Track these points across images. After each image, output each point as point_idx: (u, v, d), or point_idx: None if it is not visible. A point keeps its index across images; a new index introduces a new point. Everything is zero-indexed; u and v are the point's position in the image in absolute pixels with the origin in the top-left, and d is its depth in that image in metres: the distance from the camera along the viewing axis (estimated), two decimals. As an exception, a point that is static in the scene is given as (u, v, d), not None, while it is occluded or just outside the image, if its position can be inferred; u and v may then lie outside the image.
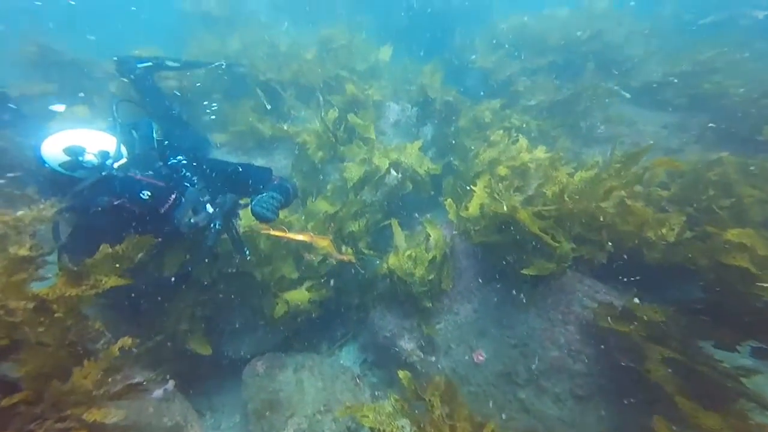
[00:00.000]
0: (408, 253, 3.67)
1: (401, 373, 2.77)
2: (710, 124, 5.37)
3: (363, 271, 4.00)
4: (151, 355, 3.18)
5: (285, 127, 5.31)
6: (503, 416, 3.66)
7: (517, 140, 4.26)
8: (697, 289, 3.31)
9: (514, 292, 3.67)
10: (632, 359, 3.20)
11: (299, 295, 3.64)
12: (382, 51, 7.60)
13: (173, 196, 2.85)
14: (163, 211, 2.80)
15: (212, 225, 2.93)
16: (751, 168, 3.78)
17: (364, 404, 2.66)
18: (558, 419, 3.53)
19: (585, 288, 3.62)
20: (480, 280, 3.86)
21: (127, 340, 2.13)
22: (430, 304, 3.68)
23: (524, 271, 3.19)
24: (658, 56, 7.28)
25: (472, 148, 4.74)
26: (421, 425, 2.50)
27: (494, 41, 8.14)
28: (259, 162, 5.43)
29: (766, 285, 2.70)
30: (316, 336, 4.15)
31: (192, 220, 2.84)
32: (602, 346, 3.47)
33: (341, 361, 4.18)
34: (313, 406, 3.31)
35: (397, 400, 2.66)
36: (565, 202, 3.08)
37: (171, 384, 3.04)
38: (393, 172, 4.66)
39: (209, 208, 2.96)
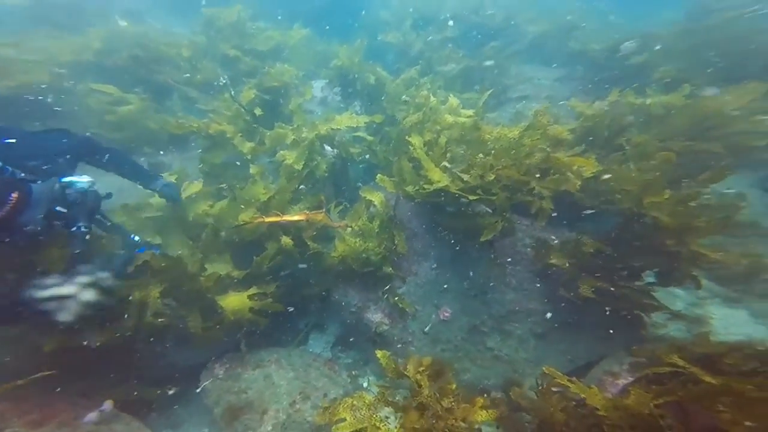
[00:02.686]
0: (354, 231, 3.54)
1: (379, 353, 2.58)
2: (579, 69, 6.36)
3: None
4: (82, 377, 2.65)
5: (181, 121, 4.66)
6: (477, 367, 3.80)
7: (447, 100, 4.34)
8: (606, 222, 3.70)
9: (464, 244, 3.76)
10: (572, 290, 3.55)
11: (238, 302, 3.20)
12: (293, 32, 7.35)
13: (14, 195, 2.33)
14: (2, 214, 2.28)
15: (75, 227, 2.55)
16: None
17: (339, 403, 2.39)
18: (525, 360, 3.81)
19: (524, 228, 3.85)
20: (432, 238, 3.89)
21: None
22: (390, 269, 3.61)
23: (482, 239, 3.28)
24: (534, 22, 8.17)
25: (400, 115, 4.73)
26: (409, 410, 2.31)
27: (403, 18, 8.34)
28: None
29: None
30: (275, 332, 3.83)
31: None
32: (547, 282, 3.77)
33: (310, 350, 3.93)
34: (288, 397, 3.06)
35: (379, 388, 2.47)
36: (495, 165, 3.21)
37: (107, 404, 2.58)
38: (327, 148, 4.47)
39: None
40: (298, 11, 9.11)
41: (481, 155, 3.32)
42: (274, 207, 3.69)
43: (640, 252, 3.38)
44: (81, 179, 2.73)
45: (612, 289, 3.41)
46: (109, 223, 3.20)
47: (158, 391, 3.16)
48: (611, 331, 3.73)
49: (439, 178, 3.31)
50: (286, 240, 3.46)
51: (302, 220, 3.35)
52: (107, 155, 3.27)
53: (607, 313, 3.63)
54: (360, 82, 5.58)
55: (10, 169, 2.50)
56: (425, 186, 3.29)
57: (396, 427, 2.25)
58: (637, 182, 3.21)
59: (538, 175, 3.31)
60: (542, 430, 2.39)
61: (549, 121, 3.29)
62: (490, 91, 3.95)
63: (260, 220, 3.28)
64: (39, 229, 2.41)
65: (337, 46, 6.55)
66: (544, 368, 2.66)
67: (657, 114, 4.25)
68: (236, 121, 4.67)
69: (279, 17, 7.57)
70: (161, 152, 5.46)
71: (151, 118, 5.48)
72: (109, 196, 3.02)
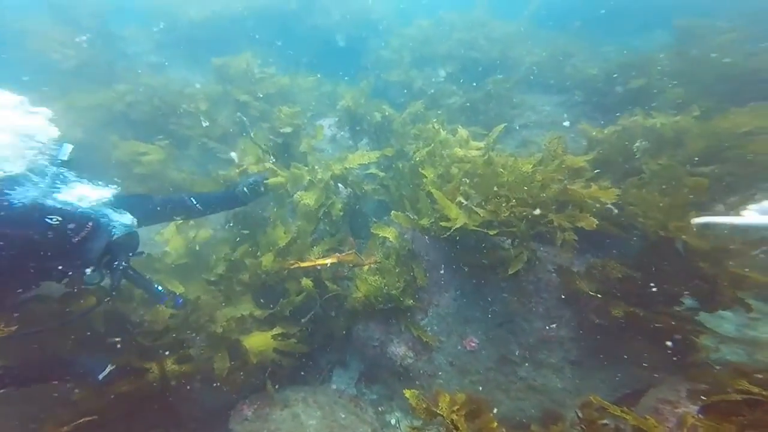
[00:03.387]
0: (372, 269, 3.60)
1: (407, 393, 2.51)
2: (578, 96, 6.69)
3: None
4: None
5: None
6: (511, 398, 3.66)
7: (456, 131, 4.49)
8: (629, 247, 3.68)
9: (485, 274, 3.77)
10: (602, 316, 3.46)
11: (262, 342, 3.23)
12: (299, 77, 7.79)
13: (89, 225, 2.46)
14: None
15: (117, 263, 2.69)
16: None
17: None
18: (563, 390, 3.65)
19: (544, 255, 3.83)
20: (452, 268, 3.92)
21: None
22: (411, 302, 3.63)
23: (510, 271, 3.28)
24: (532, 53, 8.54)
25: (410, 149, 4.88)
26: None
27: (402, 56, 8.80)
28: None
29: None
30: (299, 370, 3.81)
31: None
32: (576, 309, 3.70)
33: (334, 387, 3.88)
34: (318, 438, 3.00)
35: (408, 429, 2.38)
36: (510, 201, 3.27)
37: None
38: (341, 186, 4.61)
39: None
40: (301, 55, 9.71)
41: (495, 188, 3.37)
42: (295, 250, 3.78)
43: (672, 276, 3.30)
44: (124, 218, 2.83)
45: (646, 313, 3.28)
46: (131, 272, 3.16)
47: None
48: (656, 358, 3.52)
49: (455, 215, 3.35)
50: (306, 282, 3.52)
51: (335, 263, 3.42)
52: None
53: (647, 339, 3.48)
54: (367, 120, 5.81)
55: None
56: (442, 224, 3.32)
57: None
58: (660, 206, 3.19)
59: (554, 207, 3.33)
60: None
61: (563, 150, 3.36)
62: (503, 126, 4.06)
63: (297, 265, 3.38)
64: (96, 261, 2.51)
65: (342, 87, 6.91)
66: (591, 397, 2.53)
67: (668, 136, 4.33)
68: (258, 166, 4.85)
69: (289, 59, 8.07)
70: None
71: (173, 168, 5.74)
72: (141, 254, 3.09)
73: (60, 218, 2.34)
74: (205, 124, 6.43)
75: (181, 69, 9.54)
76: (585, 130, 4.67)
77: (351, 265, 3.62)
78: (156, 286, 3.22)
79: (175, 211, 3.58)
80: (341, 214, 4.27)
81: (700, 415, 2.46)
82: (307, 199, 4.08)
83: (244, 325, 3.23)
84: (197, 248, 4.06)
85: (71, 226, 2.41)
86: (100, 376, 2.68)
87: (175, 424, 3.07)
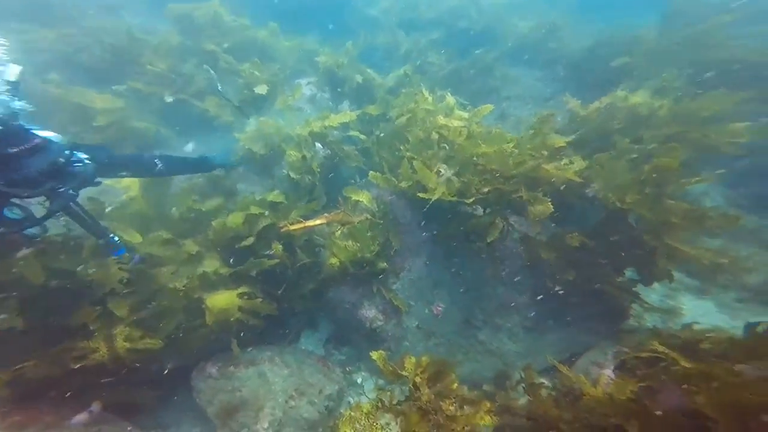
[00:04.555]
0: (344, 234, 3.55)
1: (374, 355, 2.55)
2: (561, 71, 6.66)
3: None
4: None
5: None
6: (470, 360, 3.84)
7: (444, 98, 4.38)
8: (590, 218, 3.84)
9: (457, 239, 3.81)
10: (558, 282, 3.67)
11: (227, 300, 3.12)
12: (272, 29, 7.27)
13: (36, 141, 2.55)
14: None
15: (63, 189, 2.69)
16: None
17: (341, 417, 2.35)
18: (515, 353, 3.90)
19: (513, 224, 3.90)
20: (425, 234, 3.92)
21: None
22: (385, 264, 3.62)
23: (488, 240, 3.36)
24: (519, 26, 8.37)
25: (393, 112, 4.74)
26: (409, 414, 2.27)
27: (389, 18, 8.41)
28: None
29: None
30: (267, 330, 3.76)
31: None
32: (535, 275, 3.88)
33: (303, 347, 3.89)
34: (284, 394, 3.03)
35: (377, 393, 2.43)
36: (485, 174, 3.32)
37: (95, 406, 2.51)
38: (318, 146, 4.45)
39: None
40: (279, 9, 9.04)
41: (474, 158, 3.38)
42: (282, 210, 3.66)
43: (620, 247, 3.55)
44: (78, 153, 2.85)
45: (595, 282, 3.56)
46: (88, 219, 3.05)
47: (146, 393, 3.06)
48: (595, 323, 3.87)
49: (434, 185, 3.35)
50: (276, 247, 3.41)
51: (324, 223, 3.36)
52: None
53: (591, 305, 3.77)
54: (348, 82, 5.58)
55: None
56: (420, 195, 3.34)
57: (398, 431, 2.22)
58: (619, 181, 3.36)
59: (525, 182, 3.39)
60: (539, 427, 2.42)
61: (549, 129, 3.38)
62: (490, 107, 3.98)
63: (286, 228, 3.30)
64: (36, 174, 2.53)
65: (326, 47, 6.50)
66: (548, 358, 2.69)
67: (642, 117, 4.44)
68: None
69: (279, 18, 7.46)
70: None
71: (135, 120, 5.35)
72: (98, 183, 2.98)
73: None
74: (172, 77, 5.94)
75: (141, 15, 8.68)
76: (568, 103, 4.67)
77: (341, 224, 3.53)
78: (112, 235, 3.06)
79: (136, 168, 3.48)
80: (319, 171, 4.14)
81: (615, 373, 2.71)
82: (291, 154, 3.92)
83: (207, 282, 3.10)
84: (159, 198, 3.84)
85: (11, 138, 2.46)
86: None
87: (131, 381, 2.97)
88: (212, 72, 5.75)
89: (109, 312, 2.87)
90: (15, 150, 2.45)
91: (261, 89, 5.54)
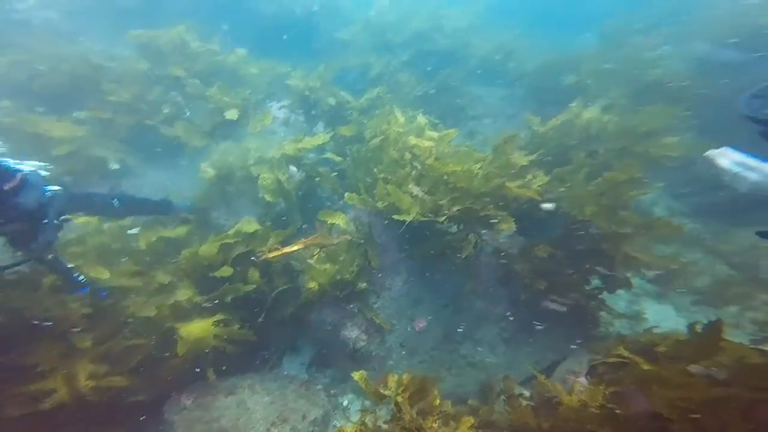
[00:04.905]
0: (321, 258, 3.57)
1: (356, 375, 2.57)
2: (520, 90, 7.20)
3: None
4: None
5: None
6: (453, 375, 3.87)
7: (416, 118, 4.54)
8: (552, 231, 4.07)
9: (434, 257, 3.89)
10: (531, 293, 3.84)
11: (201, 329, 3.01)
12: (242, 54, 7.33)
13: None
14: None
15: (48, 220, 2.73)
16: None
17: None
18: (496, 365, 3.99)
19: (485, 239, 4.05)
20: (404, 251, 3.99)
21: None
22: (365, 284, 3.63)
23: (463, 255, 3.49)
24: (480, 47, 8.89)
25: (367, 134, 4.86)
26: None
27: (359, 41, 8.70)
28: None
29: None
30: (246, 358, 3.65)
31: None
32: (509, 287, 4.05)
33: (285, 372, 3.78)
34: (265, 422, 2.94)
35: (362, 415, 2.43)
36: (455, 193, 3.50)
37: None
38: (293, 169, 4.47)
39: None
40: (247, 34, 9.10)
41: (445, 177, 3.53)
42: (259, 237, 3.62)
43: (584, 257, 3.80)
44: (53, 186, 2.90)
45: (565, 291, 3.75)
46: (50, 256, 2.91)
47: (113, 430, 2.87)
48: (569, 332, 4.02)
49: (407, 206, 3.46)
50: (253, 273, 3.36)
51: (302, 248, 3.34)
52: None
53: (564, 315, 3.91)
54: (322, 104, 5.68)
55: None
56: (395, 217, 3.44)
57: None
58: (578, 195, 3.63)
59: (491, 199, 3.55)
60: None
61: (511, 150, 3.58)
62: (455, 131, 4.14)
63: (265, 256, 3.28)
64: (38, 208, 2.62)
65: (299, 71, 6.59)
66: (532, 369, 2.81)
67: (594, 130, 4.82)
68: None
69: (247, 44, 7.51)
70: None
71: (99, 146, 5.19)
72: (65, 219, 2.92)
73: None
74: (138, 105, 5.83)
75: (101, 42, 8.49)
76: (529, 120, 5.02)
77: (319, 247, 3.54)
78: (76, 274, 2.93)
79: (93, 206, 3.48)
80: (295, 194, 4.14)
81: (587, 379, 2.84)
82: (266, 177, 3.91)
83: (180, 311, 2.99)
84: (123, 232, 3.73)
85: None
86: None
87: (96, 422, 2.77)
88: (179, 98, 5.70)
89: (72, 350, 2.71)
90: (6, 187, 2.49)
91: (231, 114, 5.55)
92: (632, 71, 6.40)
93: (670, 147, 4.74)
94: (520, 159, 3.78)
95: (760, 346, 2.29)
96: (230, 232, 3.38)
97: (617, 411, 2.10)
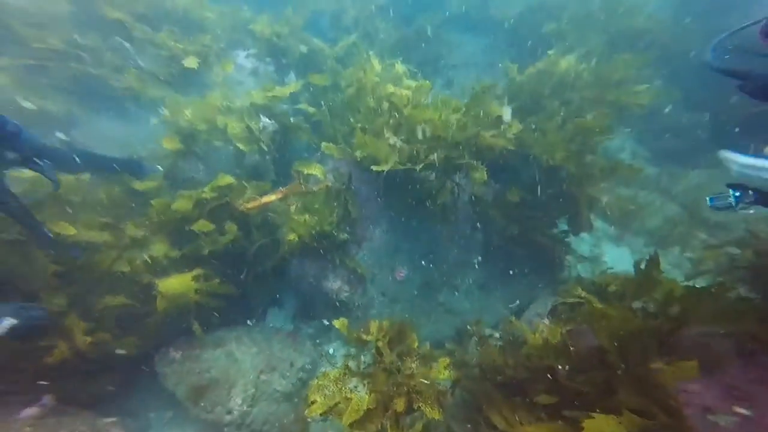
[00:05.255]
0: (298, 208, 3.50)
1: (337, 323, 2.62)
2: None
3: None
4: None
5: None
6: (432, 322, 4.04)
7: (393, 67, 4.36)
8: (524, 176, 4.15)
9: (413, 205, 3.91)
10: (504, 237, 4.00)
11: (180, 284, 2.93)
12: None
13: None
14: None
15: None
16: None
17: (310, 386, 2.40)
18: (471, 310, 4.18)
19: (461, 186, 4.08)
20: (382, 203, 3.98)
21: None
22: (345, 235, 3.63)
23: (438, 201, 3.55)
24: None
25: (343, 82, 4.65)
26: (375, 375, 2.38)
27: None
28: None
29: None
30: (231, 312, 3.65)
31: None
32: (484, 234, 4.17)
33: (270, 325, 3.83)
34: (254, 371, 3.02)
35: (344, 360, 2.52)
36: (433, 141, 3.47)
37: (46, 398, 2.34)
38: (265, 119, 4.25)
39: None
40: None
41: (421, 125, 3.47)
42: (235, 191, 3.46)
43: (552, 200, 3.96)
44: None
45: (534, 235, 3.92)
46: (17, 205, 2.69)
47: (103, 382, 2.87)
48: (537, 277, 4.28)
49: (385, 156, 3.41)
50: (231, 227, 3.25)
51: (280, 198, 3.27)
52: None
53: (533, 260, 4.15)
54: (292, 52, 5.33)
55: None
56: (374, 168, 3.39)
57: (366, 393, 2.32)
58: (550, 141, 3.71)
59: (468, 148, 3.56)
60: (487, 373, 2.67)
61: (489, 99, 3.58)
62: (430, 85, 3.98)
63: (243, 207, 3.21)
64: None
65: (265, 16, 6.04)
66: (507, 313, 2.90)
67: (569, 79, 4.83)
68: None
69: None
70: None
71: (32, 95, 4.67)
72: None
73: None
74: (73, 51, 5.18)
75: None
76: (507, 68, 4.97)
77: (299, 195, 3.48)
78: (45, 229, 2.74)
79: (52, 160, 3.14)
80: (267, 146, 3.97)
81: (549, 319, 3.06)
82: (234, 126, 3.69)
83: (157, 267, 2.91)
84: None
85: None
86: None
87: (85, 372, 2.75)
88: (126, 44, 5.15)
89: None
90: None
91: (190, 62, 5.12)
92: (612, 18, 6.31)
93: (640, 95, 4.84)
94: (496, 109, 3.77)
95: (690, 282, 2.48)
96: (206, 188, 3.21)
97: (571, 346, 2.29)
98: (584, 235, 5.02)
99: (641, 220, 5.48)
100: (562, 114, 4.17)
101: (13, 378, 2.45)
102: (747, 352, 2.02)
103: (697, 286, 2.28)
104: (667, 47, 6.09)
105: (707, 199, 2.33)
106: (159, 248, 2.93)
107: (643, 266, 2.60)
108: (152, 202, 3.11)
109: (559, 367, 2.27)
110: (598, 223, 5.44)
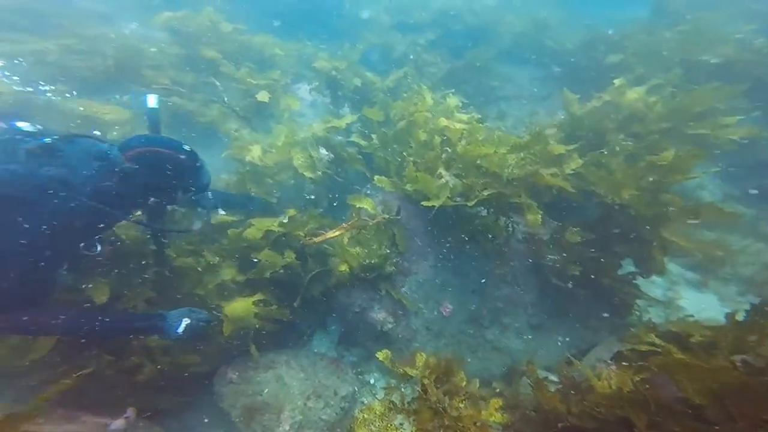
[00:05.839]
0: (352, 244, 3.62)
1: (380, 355, 2.62)
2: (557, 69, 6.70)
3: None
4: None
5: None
6: (478, 359, 3.93)
7: (445, 99, 4.46)
8: (587, 214, 3.99)
9: (462, 241, 3.91)
10: (563, 279, 3.80)
11: (243, 308, 3.18)
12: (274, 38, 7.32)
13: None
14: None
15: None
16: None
17: (353, 422, 2.41)
18: (523, 351, 3.99)
19: (515, 224, 4.01)
20: (431, 235, 4.02)
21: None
22: (392, 268, 3.71)
23: (496, 240, 3.55)
24: (513, 24, 8.44)
25: (393, 115, 4.82)
26: (421, 412, 2.34)
27: (382, 21, 8.47)
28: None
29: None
30: (280, 335, 3.85)
31: None
32: (539, 275, 4.00)
33: (315, 350, 3.98)
34: (302, 396, 3.12)
35: (386, 393, 2.50)
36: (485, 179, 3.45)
37: (130, 412, 2.60)
38: (323, 150, 4.52)
39: None
40: (272, 16, 9.01)
41: (478, 161, 3.47)
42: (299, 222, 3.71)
43: (618, 240, 3.70)
44: None
45: (597, 276, 3.68)
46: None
47: (171, 399, 3.15)
48: (600, 320, 3.97)
49: (436, 193, 3.43)
50: (290, 255, 3.48)
51: (344, 233, 3.43)
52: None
53: (595, 302, 3.88)
54: (348, 85, 5.65)
55: None
56: (423, 203, 3.44)
57: (412, 430, 2.30)
58: (616, 178, 3.50)
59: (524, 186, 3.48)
60: (548, 422, 2.49)
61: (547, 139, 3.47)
62: (481, 119, 4.05)
63: (312, 241, 3.44)
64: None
65: (324, 52, 6.56)
66: (569, 355, 2.76)
67: (638, 113, 4.55)
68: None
69: (275, 23, 7.46)
70: None
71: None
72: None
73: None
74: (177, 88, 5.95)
75: (132, 22, 8.61)
76: (567, 98, 4.76)
77: (358, 229, 3.62)
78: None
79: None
80: (326, 175, 4.22)
81: (614, 365, 2.80)
82: (299, 156, 3.98)
83: (225, 291, 3.20)
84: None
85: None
86: (180, 330, 2.56)
87: (155, 388, 3.05)
88: (216, 81, 5.79)
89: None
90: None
91: (263, 96, 5.60)
92: (689, 50, 5.85)
93: (730, 129, 4.39)
94: (557, 148, 3.64)
95: None
96: (275, 222, 3.49)
97: (647, 396, 2.10)
98: (656, 278, 4.62)
99: (732, 266, 4.90)
100: (627, 150, 3.96)
101: (106, 390, 2.77)
102: None
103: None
104: (763, 79, 5.49)
105: None
106: (228, 272, 3.22)
107: (740, 317, 2.36)
108: (228, 231, 3.43)
109: (636, 418, 2.08)
110: (675, 268, 5.02)
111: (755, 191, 5.47)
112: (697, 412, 1.91)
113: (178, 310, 2.64)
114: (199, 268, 3.18)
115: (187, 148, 2.66)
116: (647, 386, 2.17)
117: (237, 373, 3.21)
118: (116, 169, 2.42)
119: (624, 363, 2.70)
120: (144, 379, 2.82)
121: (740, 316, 2.45)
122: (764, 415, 1.78)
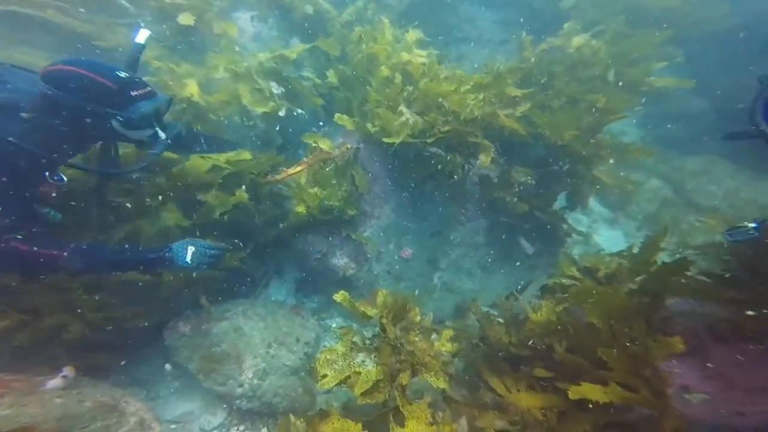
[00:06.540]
0: (310, 184, 3.40)
1: (338, 297, 2.61)
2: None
3: None
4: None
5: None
6: (434, 300, 4.07)
7: (404, 34, 4.16)
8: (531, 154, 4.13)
9: (422, 184, 3.87)
10: (509, 216, 4.00)
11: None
12: None
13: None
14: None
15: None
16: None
17: (318, 360, 2.42)
18: (472, 291, 4.20)
19: (471, 165, 4.01)
20: (391, 180, 3.89)
21: None
22: (353, 211, 3.56)
23: (454, 178, 3.50)
24: None
25: (351, 50, 4.42)
26: (381, 349, 2.43)
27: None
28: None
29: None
30: (233, 284, 3.59)
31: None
32: (489, 215, 4.13)
33: (272, 299, 3.80)
34: (263, 345, 3.00)
35: (345, 333, 2.55)
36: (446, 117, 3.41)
37: (67, 370, 2.32)
38: (274, 84, 4.04)
39: None
40: None
41: (439, 100, 3.39)
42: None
43: (556, 178, 4.00)
44: None
45: (535, 211, 3.94)
46: None
47: (112, 355, 2.84)
48: (536, 259, 4.32)
49: (397, 129, 3.31)
50: (241, 195, 3.12)
51: (305, 169, 3.19)
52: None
53: (533, 240, 4.18)
54: (298, 12, 4.99)
55: None
56: (385, 139, 3.31)
57: (374, 366, 2.37)
58: (558, 120, 3.71)
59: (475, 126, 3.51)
60: (491, 347, 2.77)
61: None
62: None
63: (273, 179, 3.20)
64: None
65: None
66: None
67: (584, 58, 4.74)
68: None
69: None
70: None
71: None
72: None
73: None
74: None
75: None
76: (523, 42, 4.83)
77: (321, 163, 3.39)
78: None
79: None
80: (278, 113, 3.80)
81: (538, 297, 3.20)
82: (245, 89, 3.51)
83: (168, 236, 2.80)
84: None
85: None
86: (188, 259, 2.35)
87: (93, 345, 2.71)
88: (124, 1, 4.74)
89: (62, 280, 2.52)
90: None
91: (186, 19, 4.70)
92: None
93: (656, 79, 4.81)
94: (514, 91, 3.71)
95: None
96: (221, 158, 3.07)
97: (568, 325, 2.38)
98: (582, 216, 5.39)
99: (638, 203, 5.64)
100: (570, 94, 4.08)
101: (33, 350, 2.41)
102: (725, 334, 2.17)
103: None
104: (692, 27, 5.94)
105: (726, 234, 2.31)
106: (170, 217, 2.81)
107: (636, 249, 2.72)
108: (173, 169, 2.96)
109: (557, 344, 2.38)
110: (595, 205, 5.64)
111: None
112: (597, 335, 2.21)
113: (181, 241, 2.42)
114: (135, 211, 2.74)
115: (122, 75, 2.24)
116: (567, 315, 2.47)
117: (189, 326, 2.96)
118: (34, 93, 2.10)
119: (549, 295, 3.04)
120: (73, 337, 2.49)
121: (635, 250, 2.83)
122: (634, 331, 2.12)
